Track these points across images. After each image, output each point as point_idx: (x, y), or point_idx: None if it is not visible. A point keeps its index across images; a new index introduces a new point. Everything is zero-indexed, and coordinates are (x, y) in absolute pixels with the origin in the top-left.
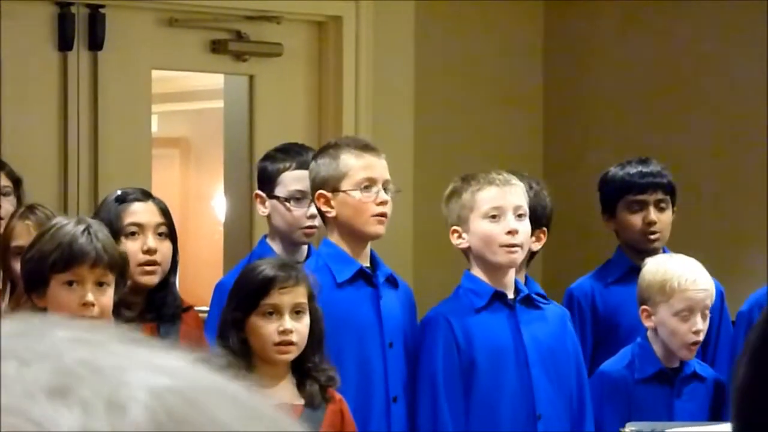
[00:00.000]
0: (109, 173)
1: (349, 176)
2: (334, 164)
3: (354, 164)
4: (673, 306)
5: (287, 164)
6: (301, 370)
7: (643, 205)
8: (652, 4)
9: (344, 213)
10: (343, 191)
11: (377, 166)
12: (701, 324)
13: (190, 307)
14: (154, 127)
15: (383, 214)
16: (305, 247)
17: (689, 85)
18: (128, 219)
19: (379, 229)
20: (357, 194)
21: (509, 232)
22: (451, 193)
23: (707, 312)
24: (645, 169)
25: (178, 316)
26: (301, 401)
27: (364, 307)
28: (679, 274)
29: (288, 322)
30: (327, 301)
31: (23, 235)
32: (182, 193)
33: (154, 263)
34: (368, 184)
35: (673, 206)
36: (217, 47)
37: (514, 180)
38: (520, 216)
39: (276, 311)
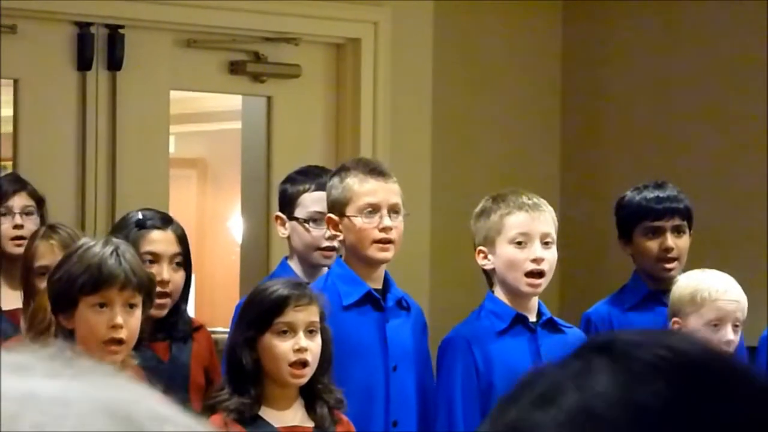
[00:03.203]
0: (127, 193)
1: (352, 201)
2: (340, 188)
3: (357, 189)
4: (703, 316)
5: (307, 186)
6: (311, 392)
7: (660, 231)
8: (673, 20)
9: (349, 238)
10: (348, 216)
11: (381, 191)
12: (732, 335)
13: (201, 326)
14: (172, 148)
15: (386, 240)
16: (324, 269)
17: (710, 104)
18: (146, 247)
19: (383, 255)
20: (359, 220)
21: (534, 260)
22: (480, 212)
23: (738, 325)
24: (662, 194)
25: (189, 336)
26: (311, 424)
27: (368, 331)
28: (710, 285)
29: (303, 341)
30: (332, 322)
31: (47, 254)
32: (199, 213)
33: (165, 295)
34: (371, 209)
35: (690, 230)
36: (235, 68)
37: (544, 206)
38: (547, 243)
39: (290, 329)
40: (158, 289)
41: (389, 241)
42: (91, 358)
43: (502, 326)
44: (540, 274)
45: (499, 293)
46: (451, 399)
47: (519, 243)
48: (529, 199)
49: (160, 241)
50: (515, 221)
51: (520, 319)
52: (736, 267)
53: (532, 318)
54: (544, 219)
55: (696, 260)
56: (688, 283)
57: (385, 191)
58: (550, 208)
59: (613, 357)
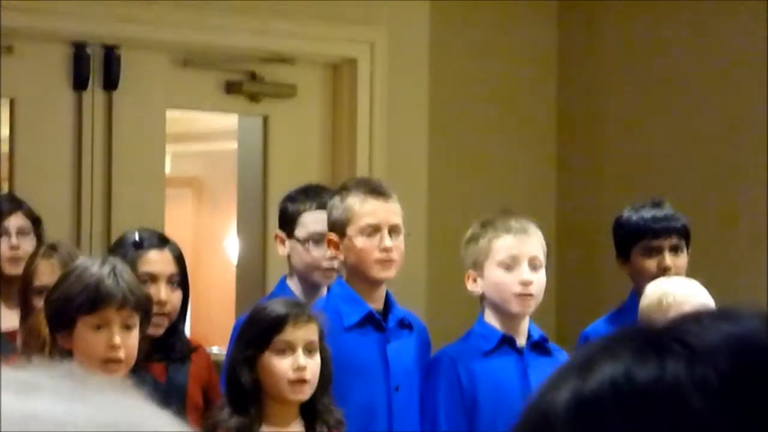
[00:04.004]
0: (123, 212)
1: (353, 222)
2: (341, 208)
3: (358, 210)
4: None
5: (307, 205)
6: (311, 412)
7: (657, 251)
8: (667, 32)
9: (350, 258)
10: (348, 236)
11: (381, 211)
12: None
13: (198, 347)
14: (168, 167)
15: (387, 259)
16: (324, 289)
17: (706, 115)
18: (143, 267)
19: (385, 273)
20: (360, 240)
21: (522, 283)
22: (469, 239)
23: None
24: (659, 213)
25: (187, 357)
26: None
27: (369, 352)
28: (674, 290)
29: (302, 359)
30: (333, 343)
31: (47, 273)
32: (195, 233)
33: (162, 315)
34: (371, 230)
35: (687, 249)
36: (231, 88)
37: (532, 229)
38: (535, 267)
39: (289, 348)
40: (156, 309)
41: (390, 260)
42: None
43: (488, 347)
44: (528, 296)
45: (489, 317)
46: (435, 416)
47: (507, 266)
48: (517, 222)
49: (158, 261)
50: (503, 244)
51: (507, 341)
52: (734, 274)
53: (521, 341)
54: (532, 242)
55: (697, 270)
56: (654, 290)
57: (386, 211)
58: (539, 233)
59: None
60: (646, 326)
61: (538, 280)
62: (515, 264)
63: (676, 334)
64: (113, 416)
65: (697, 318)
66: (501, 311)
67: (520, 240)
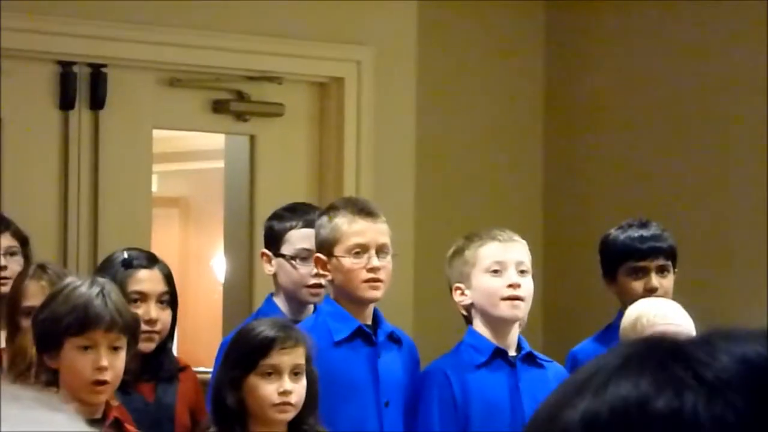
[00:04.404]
0: (109, 232)
1: (341, 242)
2: (328, 227)
3: (346, 230)
4: None
5: (294, 223)
6: None
7: (644, 272)
8: (658, 43)
9: (337, 278)
10: (336, 256)
11: (369, 232)
12: None
13: (186, 367)
14: (155, 187)
15: (375, 280)
16: (311, 306)
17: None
18: (133, 286)
19: (372, 294)
20: (347, 261)
21: (510, 285)
22: (454, 253)
23: None
24: (645, 233)
25: (176, 376)
26: None
27: (360, 367)
28: (648, 311)
29: (287, 384)
30: (323, 359)
31: (38, 294)
32: (182, 252)
33: (153, 334)
34: (359, 250)
35: (674, 269)
36: (218, 107)
37: (517, 237)
38: (522, 272)
39: (275, 372)
40: (147, 327)
41: (377, 280)
42: (76, 398)
43: (481, 360)
44: (517, 300)
45: (479, 327)
46: (429, 431)
47: (495, 271)
48: (502, 231)
49: (147, 280)
50: (489, 251)
51: (500, 353)
52: (730, 283)
53: (512, 353)
54: (518, 248)
55: (693, 279)
56: (631, 312)
57: (374, 231)
58: (524, 242)
59: (689, 364)
60: (658, 343)
61: (526, 285)
62: (502, 269)
63: (689, 358)
64: None
65: (706, 339)
66: (491, 320)
67: (505, 246)
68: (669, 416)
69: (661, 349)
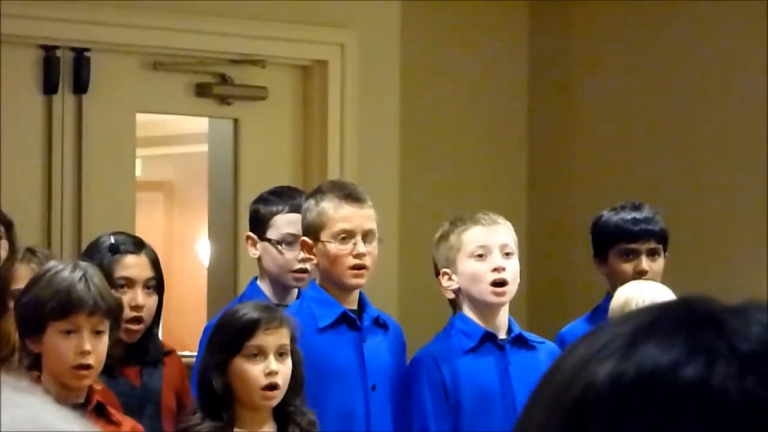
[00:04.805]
0: (93, 216)
1: (327, 227)
2: (315, 212)
3: (332, 215)
4: None
5: (280, 207)
6: (282, 414)
7: (635, 254)
8: (641, 39)
9: (323, 263)
10: (322, 241)
11: (356, 217)
12: None
13: (171, 351)
14: (138, 171)
15: (360, 266)
16: (295, 291)
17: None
18: (120, 272)
19: (357, 281)
20: (333, 246)
21: (495, 269)
22: (439, 238)
23: None
24: (638, 216)
25: (161, 361)
26: None
27: (345, 352)
28: (638, 294)
29: (273, 364)
30: (308, 345)
31: (27, 278)
32: (166, 236)
33: (139, 320)
34: (345, 236)
35: (665, 252)
36: (201, 91)
37: (501, 219)
38: (507, 254)
39: (261, 353)
40: (133, 313)
41: (363, 267)
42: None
43: (470, 344)
44: (503, 283)
45: (468, 312)
46: (424, 418)
47: (479, 256)
48: (486, 215)
49: (134, 265)
50: (472, 236)
51: (489, 337)
52: (727, 276)
53: (502, 335)
54: (502, 231)
55: (687, 273)
56: (620, 294)
57: (360, 217)
58: (509, 224)
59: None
60: (693, 306)
61: (512, 267)
62: (487, 253)
63: (724, 326)
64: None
65: (744, 309)
66: (478, 304)
67: (489, 229)
68: (696, 386)
69: (696, 313)
